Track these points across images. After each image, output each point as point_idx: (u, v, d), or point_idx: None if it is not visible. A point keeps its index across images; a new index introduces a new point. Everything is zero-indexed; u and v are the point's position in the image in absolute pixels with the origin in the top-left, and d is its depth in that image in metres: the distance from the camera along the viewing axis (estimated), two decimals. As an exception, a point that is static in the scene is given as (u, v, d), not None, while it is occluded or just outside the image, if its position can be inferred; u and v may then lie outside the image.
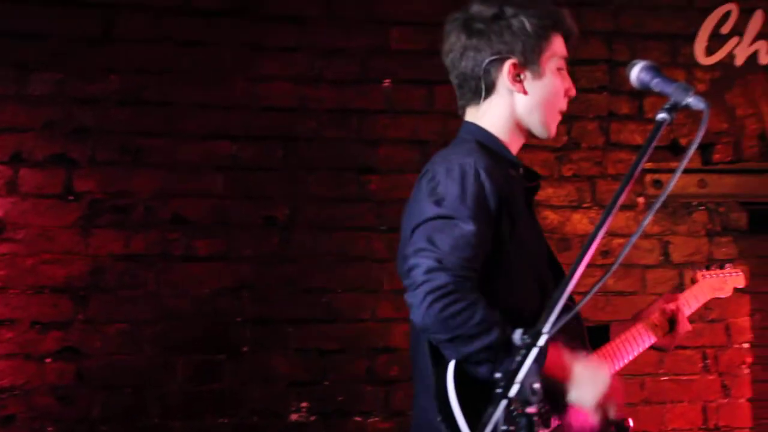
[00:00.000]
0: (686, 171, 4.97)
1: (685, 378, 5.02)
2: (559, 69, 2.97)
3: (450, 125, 4.81)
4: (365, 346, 4.64)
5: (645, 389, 4.97)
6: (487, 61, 2.92)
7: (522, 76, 2.93)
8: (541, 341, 2.14)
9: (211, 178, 4.60)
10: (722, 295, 3.51)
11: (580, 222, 4.98)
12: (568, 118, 4.95)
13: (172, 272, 4.51)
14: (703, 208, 5.12)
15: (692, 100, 2.50)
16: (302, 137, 4.71)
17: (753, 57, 5.20)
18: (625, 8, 5.15)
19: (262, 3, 4.73)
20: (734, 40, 5.19)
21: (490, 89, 2.96)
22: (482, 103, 2.98)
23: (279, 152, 4.68)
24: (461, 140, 2.98)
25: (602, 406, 2.76)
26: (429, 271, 2.66)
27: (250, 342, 4.55)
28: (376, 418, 4.64)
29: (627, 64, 5.15)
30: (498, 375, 2.10)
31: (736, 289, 3.60)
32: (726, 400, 5.07)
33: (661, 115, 2.49)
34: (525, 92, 2.93)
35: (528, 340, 2.14)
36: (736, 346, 5.10)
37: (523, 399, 2.10)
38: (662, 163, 5.08)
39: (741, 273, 3.56)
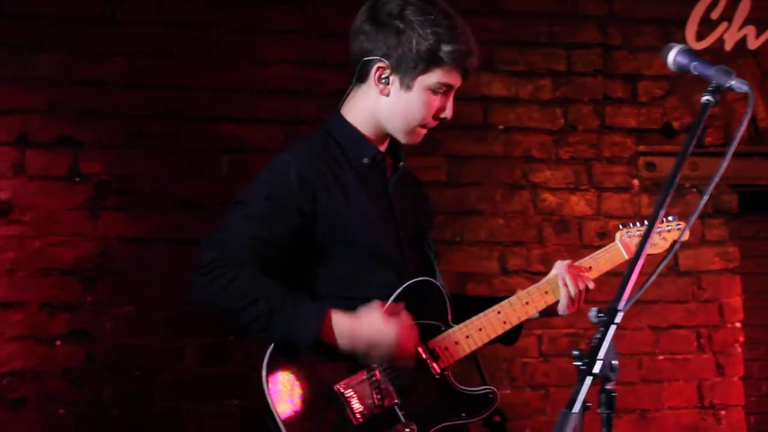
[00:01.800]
0: (677, 154, 5.06)
1: (680, 357, 5.12)
2: (435, 92, 2.97)
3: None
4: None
5: (643, 368, 5.06)
6: (365, 54, 2.96)
7: (389, 80, 2.97)
8: (618, 318, 2.19)
9: (216, 161, 4.60)
10: (654, 252, 3.32)
11: (577, 204, 5.05)
12: (564, 101, 5.04)
13: (178, 254, 4.49)
14: (695, 190, 5.21)
15: (735, 83, 2.53)
16: (305, 120, 4.71)
17: (742, 42, 5.29)
18: (619, -7, 5.23)
19: (261, -15, 4.74)
20: (723, 25, 5.27)
21: (363, 78, 3.02)
22: (356, 90, 3.06)
23: (282, 135, 4.69)
24: (317, 130, 3.09)
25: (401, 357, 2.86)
26: (203, 248, 2.84)
27: (258, 324, 4.55)
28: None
29: (620, 48, 5.28)
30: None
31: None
32: (720, 379, 5.18)
33: (706, 98, 2.52)
34: (387, 95, 2.99)
35: (604, 318, 2.19)
36: (729, 325, 5.21)
37: (603, 375, 2.15)
38: (655, 146, 5.17)
39: (683, 225, 3.39)
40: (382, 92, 2.99)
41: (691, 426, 5.13)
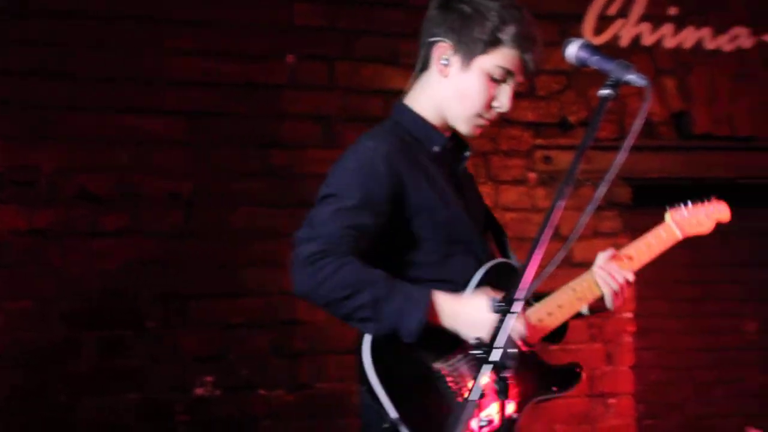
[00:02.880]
0: (573, 147, 5.17)
1: (572, 347, 5.21)
2: (493, 78, 2.96)
3: (350, 101, 4.90)
4: (270, 319, 4.67)
5: (536, 358, 5.14)
6: (431, 37, 3.00)
7: (449, 61, 2.97)
8: (517, 307, 2.25)
9: (116, 153, 4.55)
10: (703, 231, 3.39)
11: (475, 197, 5.10)
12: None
13: (77, 248, 4.46)
14: (589, 183, 5.29)
15: (633, 77, 2.59)
16: (207, 112, 4.69)
17: (637, 38, 5.42)
18: (519, -12, 5.29)
19: (166, -24, 4.70)
20: (620, 21, 5.40)
21: (426, 64, 3.04)
22: (420, 78, 3.07)
23: (184, 126, 4.66)
24: (384, 121, 3.08)
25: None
26: (301, 242, 2.79)
27: (156, 317, 4.54)
28: (281, 391, 4.69)
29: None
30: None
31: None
32: (610, 368, 5.30)
33: (605, 91, 2.58)
34: (446, 77, 2.99)
35: (503, 307, 2.25)
36: (620, 315, 5.33)
37: (500, 363, 2.20)
38: (551, 140, 5.27)
39: (724, 205, 3.44)
40: (441, 73, 2.98)
41: (581, 414, 5.24)
